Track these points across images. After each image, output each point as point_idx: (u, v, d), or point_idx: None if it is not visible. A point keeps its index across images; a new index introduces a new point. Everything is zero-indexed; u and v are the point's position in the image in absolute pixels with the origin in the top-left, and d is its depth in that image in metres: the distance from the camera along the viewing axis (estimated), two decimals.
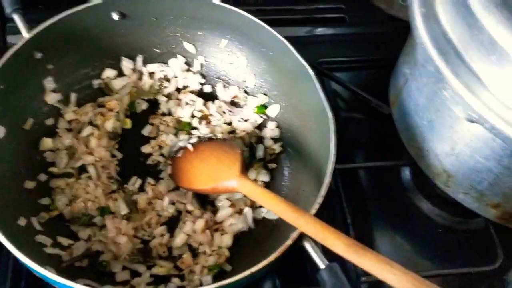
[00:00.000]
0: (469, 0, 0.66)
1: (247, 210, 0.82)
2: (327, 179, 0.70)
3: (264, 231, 0.81)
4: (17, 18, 0.80)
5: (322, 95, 0.77)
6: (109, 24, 0.86)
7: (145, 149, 0.88)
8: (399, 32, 0.91)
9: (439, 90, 0.72)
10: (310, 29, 1.09)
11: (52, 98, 0.85)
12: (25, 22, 0.80)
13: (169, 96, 0.93)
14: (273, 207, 0.69)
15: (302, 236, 0.66)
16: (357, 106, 1.03)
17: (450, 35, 0.69)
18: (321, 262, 0.64)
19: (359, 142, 1.01)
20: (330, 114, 0.74)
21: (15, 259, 0.77)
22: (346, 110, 1.04)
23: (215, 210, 0.82)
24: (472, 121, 0.67)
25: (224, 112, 0.92)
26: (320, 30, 1.09)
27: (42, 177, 0.81)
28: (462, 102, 0.67)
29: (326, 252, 0.65)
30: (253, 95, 0.93)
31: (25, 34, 0.79)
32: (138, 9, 0.87)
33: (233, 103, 0.93)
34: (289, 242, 0.65)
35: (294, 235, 0.65)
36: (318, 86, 0.77)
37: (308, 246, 0.66)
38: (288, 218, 0.66)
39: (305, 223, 0.64)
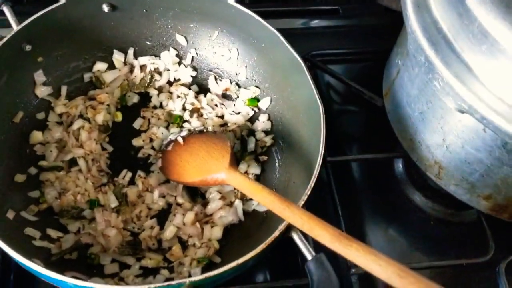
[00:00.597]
0: None
1: (237, 203, 0.81)
2: (316, 171, 0.69)
3: (254, 224, 0.80)
4: (6, 10, 0.80)
5: (313, 86, 0.76)
6: (99, 17, 0.86)
7: (136, 142, 0.87)
8: (393, 24, 0.90)
9: (430, 80, 0.72)
10: (303, 21, 1.09)
11: (42, 91, 0.84)
12: (14, 15, 0.80)
13: (160, 89, 0.92)
14: (261, 198, 0.68)
15: (290, 228, 0.66)
16: (351, 99, 1.02)
17: (441, 24, 0.68)
18: (308, 253, 0.64)
19: (352, 135, 1.00)
20: (320, 106, 0.74)
21: (4, 251, 0.78)
22: (339, 103, 1.04)
23: (205, 203, 0.82)
24: (462, 112, 0.66)
25: (216, 105, 0.91)
26: (313, 22, 1.08)
27: (32, 170, 0.80)
28: (452, 93, 0.66)
29: (316, 244, 0.65)
30: (245, 88, 0.92)
31: (15, 27, 0.79)
32: (129, 1, 0.86)
33: (225, 96, 0.93)
34: (276, 233, 0.65)
35: (281, 227, 0.65)
36: (309, 78, 0.77)
37: (296, 237, 0.66)
38: (275, 209, 0.66)
39: (292, 214, 0.64)
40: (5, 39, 0.77)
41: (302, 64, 0.79)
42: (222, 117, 0.90)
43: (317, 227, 0.61)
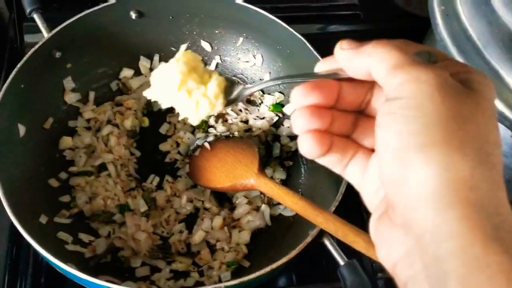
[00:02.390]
0: None
1: (264, 207, 0.82)
2: (343, 184, 0.70)
3: (281, 228, 0.81)
4: (37, 17, 0.81)
5: None
6: (127, 23, 0.87)
7: (163, 147, 0.88)
8: (414, 29, 0.91)
9: None
10: (324, 26, 1.09)
11: (71, 97, 0.86)
12: (44, 22, 0.81)
13: None
14: (292, 204, 0.69)
15: (322, 233, 0.67)
16: None
17: (470, 32, 0.69)
18: (340, 259, 0.65)
19: None
20: None
21: (35, 255, 0.79)
22: None
23: (232, 208, 0.83)
24: None
25: (240, 111, 0.92)
26: (334, 27, 1.09)
27: (63, 175, 0.82)
28: None
29: (345, 249, 0.66)
30: (269, 93, 0.93)
31: (45, 34, 0.80)
32: (156, 8, 0.87)
33: (249, 101, 0.94)
34: (308, 239, 0.66)
35: (313, 233, 0.66)
36: None
37: (327, 242, 0.67)
38: (307, 215, 0.66)
39: (325, 221, 0.64)
40: (36, 47, 0.78)
41: None
42: (246, 122, 0.91)
43: (351, 234, 0.61)
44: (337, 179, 0.72)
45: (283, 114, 0.91)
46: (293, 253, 0.65)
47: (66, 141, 0.84)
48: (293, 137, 0.90)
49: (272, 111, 0.91)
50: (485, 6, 0.67)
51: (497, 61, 0.66)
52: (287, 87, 0.91)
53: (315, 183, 0.83)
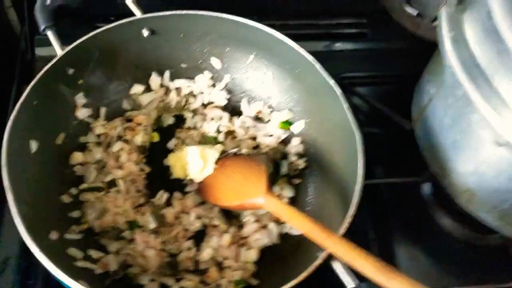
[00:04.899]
0: (500, 26, 0.67)
1: (272, 226, 0.83)
2: (356, 199, 0.71)
3: (289, 246, 0.82)
4: (50, 34, 0.83)
5: (349, 114, 0.78)
6: (138, 40, 0.88)
7: None
8: (421, 49, 0.92)
9: (467, 113, 0.73)
10: (331, 44, 1.11)
11: (83, 113, 0.87)
12: (58, 39, 0.82)
13: (195, 111, 0.94)
14: (300, 225, 0.70)
15: (331, 256, 0.67)
16: (377, 121, 1.04)
17: (479, 60, 0.70)
18: (349, 282, 0.66)
19: (378, 157, 1.02)
20: (358, 135, 0.76)
21: (45, 271, 0.79)
22: (365, 125, 1.05)
23: (240, 225, 0.84)
24: (500, 145, 0.68)
25: (248, 128, 0.93)
26: (341, 45, 1.11)
27: (73, 191, 0.83)
28: (490, 127, 0.68)
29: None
30: (277, 111, 0.94)
31: (59, 51, 0.81)
32: (167, 26, 0.88)
33: (258, 119, 0.95)
34: (318, 261, 0.67)
35: (323, 255, 0.67)
36: (345, 105, 0.79)
37: (336, 265, 0.67)
38: (315, 237, 0.67)
39: (333, 244, 0.65)
40: (50, 64, 0.79)
41: (338, 90, 0.81)
42: (254, 139, 0.92)
43: (360, 258, 0.62)
44: (346, 199, 0.73)
45: (292, 132, 0.92)
46: (302, 276, 0.66)
47: (77, 157, 0.85)
48: (301, 155, 0.91)
49: (281, 128, 0.92)
50: (495, 35, 0.68)
51: (506, 89, 0.67)
52: (296, 105, 0.92)
53: (323, 202, 0.84)
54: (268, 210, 0.76)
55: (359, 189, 0.72)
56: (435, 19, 0.83)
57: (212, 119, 0.93)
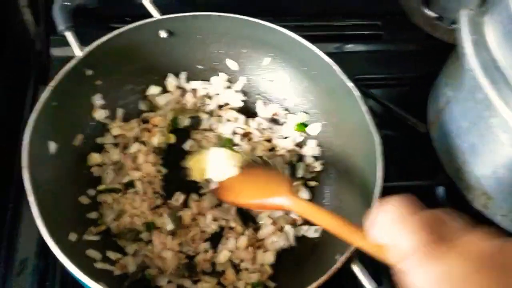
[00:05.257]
0: None
1: (288, 228, 0.83)
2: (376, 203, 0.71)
3: (305, 249, 0.82)
4: (69, 35, 0.82)
5: (368, 117, 0.78)
6: (156, 42, 0.88)
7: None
8: (436, 51, 0.92)
9: (487, 117, 0.73)
10: (345, 45, 1.10)
11: (100, 114, 0.87)
12: (78, 40, 0.82)
13: (210, 113, 0.94)
14: (326, 223, 0.68)
15: (351, 259, 0.67)
16: (390, 124, 1.04)
17: (500, 63, 0.70)
18: (369, 285, 0.66)
19: (392, 160, 1.02)
20: (377, 138, 0.76)
21: (63, 271, 0.80)
22: (379, 127, 1.05)
23: (256, 228, 0.84)
24: None
25: (263, 129, 0.93)
26: (355, 46, 1.10)
27: (91, 192, 0.83)
28: (510, 130, 0.68)
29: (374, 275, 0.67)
30: (293, 113, 0.94)
31: (78, 52, 0.81)
32: (185, 27, 0.88)
33: (273, 120, 0.95)
34: (338, 265, 0.66)
35: (342, 259, 0.67)
36: (364, 108, 0.79)
37: (356, 269, 0.68)
38: (343, 234, 0.65)
39: (362, 238, 0.63)
40: (69, 66, 0.79)
41: (356, 93, 0.81)
42: (270, 141, 0.92)
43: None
44: (364, 202, 0.73)
45: (308, 134, 0.92)
46: (322, 279, 0.66)
47: (94, 158, 0.85)
48: (317, 157, 0.91)
49: (297, 130, 0.92)
50: None
51: None
52: (312, 107, 0.92)
53: (339, 205, 0.84)
54: (292, 209, 0.74)
55: (378, 192, 0.72)
56: (454, 22, 0.83)
57: (228, 120, 0.93)
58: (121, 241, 0.80)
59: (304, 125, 0.93)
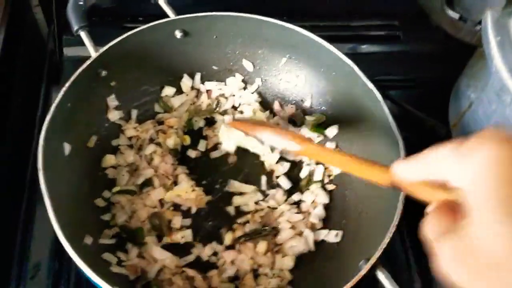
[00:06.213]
0: None
1: (307, 232, 0.81)
2: (399, 207, 0.69)
3: (325, 254, 0.80)
4: (84, 36, 0.81)
5: (391, 120, 0.76)
6: (171, 42, 0.86)
7: None
8: (456, 52, 0.90)
9: (511, 118, 0.71)
10: (362, 46, 1.08)
11: (114, 115, 0.85)
12: (92, 40, 0.81)
13: (225, 113, 0.93)
14: (346, 166, 0.64)
15: (375, 266, 0.66)
16: (410, 125, 1.02)
17: None
18: None
19: None
20: (401, 142, 0.74)
21: (77, 273, 0.78)
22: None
23: (275, 232, 0.82)
24: None
25: None
26: (373, 47, 1.08)
27: (106, 194, 0.81)
28: None
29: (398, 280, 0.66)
30: (310, 114, 0.92)
31: (92, 52, 0.79)
32: (201, 27, 0.87)
33: (290, 121, 0.93)
34: (363, 272, 0.65)
35: (367, 266, 0.65)
36: (387, 110, 0.77)
37: (380, 275, 0.66)
38: (367, 175, 0.60)
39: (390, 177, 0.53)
40: (83, 67, 0.78)
41: (378, 94, 0.79)
42: None
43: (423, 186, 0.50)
44: (386, 206, 0.71)
45: (326, 136, 0.90)
46: (347, 287, 0.64)
47: (109, 160, 0.83)
48: None
49: (314, 132, 0.91)
50: None
51: None
52: (330, 109, 0.90)
53: (359, 208, 0.82)
54: (304, 155, 0.73)
55: (400, 196, 0.70)
56: (478, 23, 0.81)
57: None
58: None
59: (322, 126, 0.91)
